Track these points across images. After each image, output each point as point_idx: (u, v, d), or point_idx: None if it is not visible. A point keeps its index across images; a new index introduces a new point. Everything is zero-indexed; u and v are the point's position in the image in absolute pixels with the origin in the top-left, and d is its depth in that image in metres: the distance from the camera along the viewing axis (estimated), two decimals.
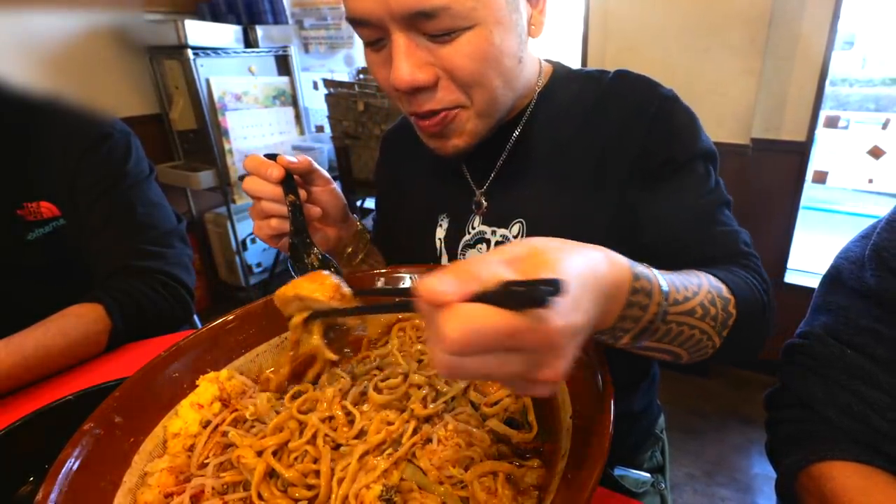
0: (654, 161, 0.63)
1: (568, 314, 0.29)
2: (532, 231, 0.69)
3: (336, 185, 0.72)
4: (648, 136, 0.63)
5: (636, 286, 0.40)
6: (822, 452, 0.54)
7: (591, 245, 0.37)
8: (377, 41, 0.57)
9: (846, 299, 0.58)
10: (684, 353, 0.49)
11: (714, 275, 0.53)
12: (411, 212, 0.82)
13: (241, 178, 2.44)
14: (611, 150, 0.65)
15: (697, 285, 0.48)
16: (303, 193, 0.64)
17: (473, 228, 0.74)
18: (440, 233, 0.77)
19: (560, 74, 0.73)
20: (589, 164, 0.66)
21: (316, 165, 0.67)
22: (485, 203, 0.73)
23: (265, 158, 0.62)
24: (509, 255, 0.31)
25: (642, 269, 0.41)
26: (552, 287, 0.27)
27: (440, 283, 0.28)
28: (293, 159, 0.63)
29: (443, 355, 0.28)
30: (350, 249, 0.77)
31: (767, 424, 0.64)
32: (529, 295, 0.27)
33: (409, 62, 0.54)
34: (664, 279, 0.44)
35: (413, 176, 0.83)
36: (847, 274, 0.59)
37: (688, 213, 0.63)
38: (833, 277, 0.61)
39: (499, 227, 0.72)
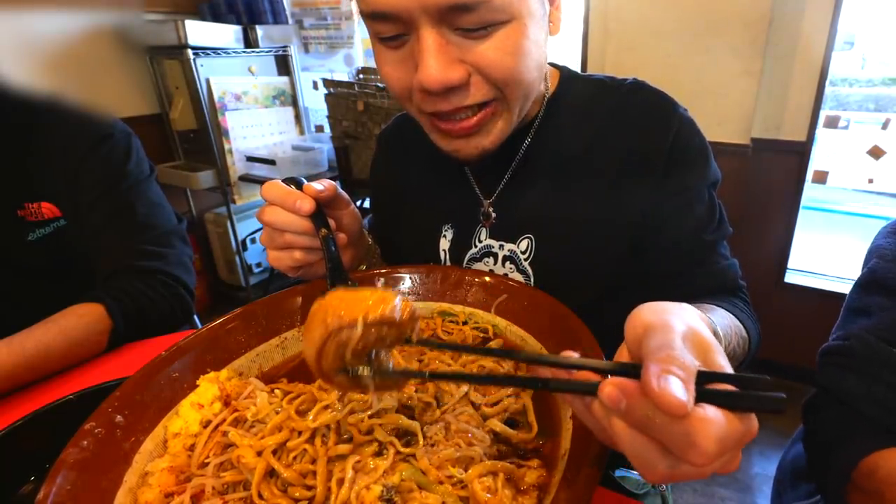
0: (669, 189, 0.62)
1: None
2: (541, 248, 0.67)
3: (354, 207, 0.67)
4: (668, 162, 0.62)
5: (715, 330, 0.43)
6: (865, 448, 0.54)
7: (688, 306, 0.35)
8: (396, 37, 0.52)
9: (887, 300, 0.58)
10: None
11: (736, 315, 0.56)
12: (412, 219, 0.79)
13: (242, 178, 2.44)
14: (627, 172, 0.63)
15: (730, 327, 0.52)
16: (331, 223, 0.59)
17: (480, 241, 0.71)
18: (444, 244, 0.74)
19: (568, 80, 0.70)
20: (602, 185, 0.64)
21: (339, 188, 0.62)
22: (493, 214, 0.70)
23: (289, 187, 0.56)
24: (681, 336, 0.30)
25: (712, 321, 0.43)
26: (782, 398, 0.27)
27: (678, 391, 0.26)
28: (320, 186, 0.58)
29: (668, 464, 0.27)
30: (364, 268, 0.74)
31: (804, 435, 0.64)
32: (768, 401, 0.27)
33: (440, 60, 0.49)
34: (719, 327, 0.47)
35: (413, 181, 0.80)
36: (884, 273, 0.59)
37: (694, 246, 0.64)
38: (869, 280, 0.61)
39: (506, 241, 0.69)
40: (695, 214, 0.63)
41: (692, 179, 0.63)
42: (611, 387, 0.28)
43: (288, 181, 0.57)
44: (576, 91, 0.69)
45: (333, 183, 0.60)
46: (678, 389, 0.26)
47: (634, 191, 0.63)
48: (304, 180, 0.58)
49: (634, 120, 0.64)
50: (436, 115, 0.56)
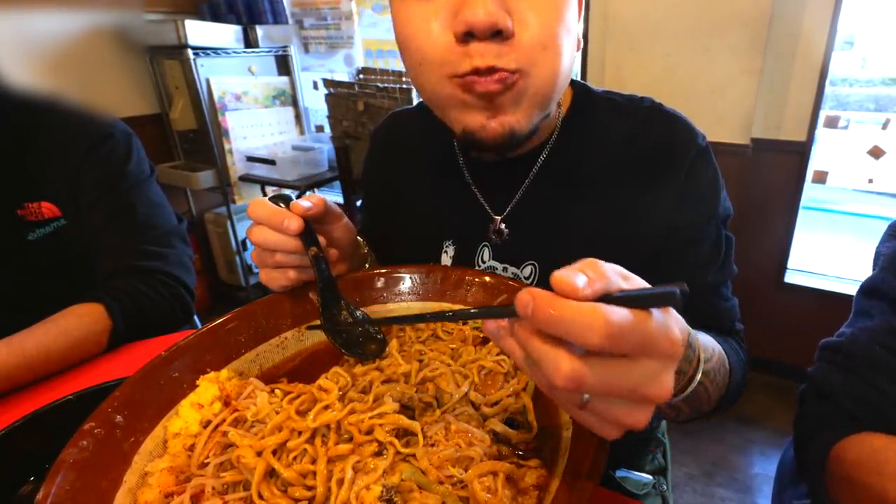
0: (676, 223, 0.61)
1: (678, 328, 0.29)
2: (544, 276, 0.65)
3: (348, 220, 0.66)
4: (680, 196, 0.60)
5: (690, 340, 0.41)
6: (835, 436, 0.56)
7: None
8: None
9: (887, 305, 0.59)
10: (687, 410, 0.50)
11: (724, 348, 0.55)
12: (410, 230, 0.76)
13: (242, 178, 2.44)
14: (639, 204, 0.61)
15: (713, 349, 0.50)
16: (321, 239, 0.58)
17: (483, 262, 0.69)
18: (446, 260, 0.73)
19: (582, 99, 0.67)
20: (613, 216, 0.62)
21: (329, 202, 0.61)
22: (506, 232, 0.68)
23: (276, 206, 0.55)
24: (620, 270, 0.31)
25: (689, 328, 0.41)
26: (679, 292, 0.27)
27: (575, 277, 0.28)
28: (307, 203, 0.56)
29: (574, 363, 0.28)
30: (367, 267, 0.73)
31: (794, 423, 0.65)
32: (665, 294, 0.27)
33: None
34: (699, 337, 0.45)
35: (410, 187, 0.76)
36: (880, 281, 0.61)
37: (695, 292, 0.61)
38: (872, 284, 0.63)
39: (511, 265, 0.67)
40: (697, 252, 0.62)
41: (699, 216, 0.61)
42: (524, 293, 0.29)
43: (275, 199, 0.56)
44: (591, 112, 0.66)
45: (322, 197, 0.59)
46: (576, 276, 0.28)
47: (645, 223, 0.61)
48: (293, 197, 0.57)
49: (650, 149, 0.62)
50: (470, 73, 0.50)
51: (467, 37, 0.48)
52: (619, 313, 0.27)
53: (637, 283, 0.31)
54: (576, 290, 0.28)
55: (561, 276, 0.29)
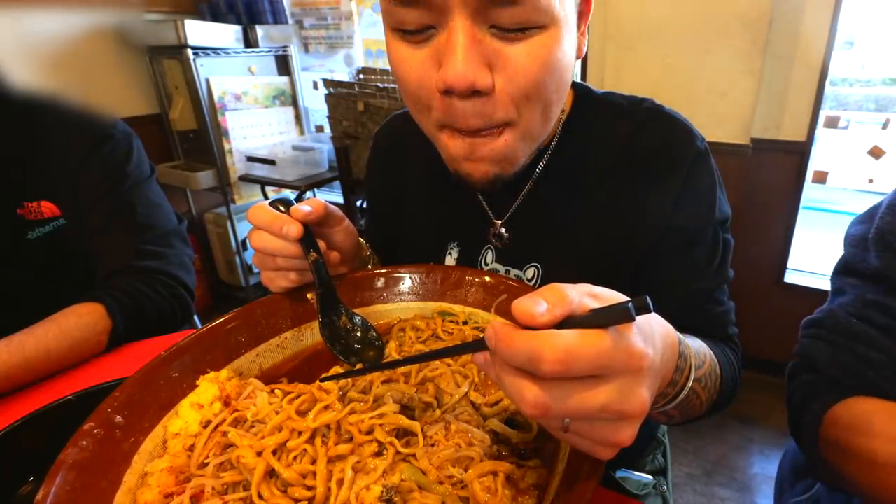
0: (672, 225, 0.61)
1: (645, 341, 0.29)
2: (546, 279, 0.66)
3: (349, 222, 0.65)
4: (677, 198, 0.60)
5: (681, 349, 0.41)
6: (827, 403, 0.58)
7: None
8: (422, 30, 0.47)
9: (857, 280, 0.61)
10: (679, 416, 0.50)
11: (715, 353, 0.56)
12: (415, 232, 0.77)
13: (242, 178, 2.44)
14: (639, 207, 0.62)
15: (705, 355, 0.50)
16: (321, 243, 0.58)
17: (486, 264, 0.70)
18: (450, 262, 0.73)
19: (583, 102, 0.67)
20: (613, 218, 0.63)
21: (330, 206, 0.60)
22: (507, 236, 0.69)
23: (276, 211, 0.55)
24: (590, 290, 0.31)
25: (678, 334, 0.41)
26: (636, 304, 0.27)
27: (536, 306, 0.28)
28: (307, 208, 0.56)
29: (535, 391, 0.28)
30: (370, 267, 0.73)
31: (786, 400, 0.67)
32: (617, 310, 0.28)
33: (470, 58, 0.45)
34: (688, 340, 0.45)
35: (414, 189, 0.77)
36: (851, 258, 0.63)
37: (690, 296, 0.63)
38: (843, 264, 0.65)
39: (513, 267, 0.68)
40: (693, 256, 0.62)
41: (696, 219, 0.61)
42: (489, 328, 0.30)
43: (276, 203, 0.56)
44: (591, 115, 0.66)
45: (322, 201, 0.59)
46: (535, 304, 0.28)
47: (643, 225, 0.62)
48: (294, 201, 0.57)
49: (650, 151, 0.62)
50: (453, 129, 0.51)
51: (448, 94, 0.47)
52: (567, 338, 0.27)
53: (610, 299, 0.30)
54: (533, 318, 0.28)
55: (520, 304, 0.29)
